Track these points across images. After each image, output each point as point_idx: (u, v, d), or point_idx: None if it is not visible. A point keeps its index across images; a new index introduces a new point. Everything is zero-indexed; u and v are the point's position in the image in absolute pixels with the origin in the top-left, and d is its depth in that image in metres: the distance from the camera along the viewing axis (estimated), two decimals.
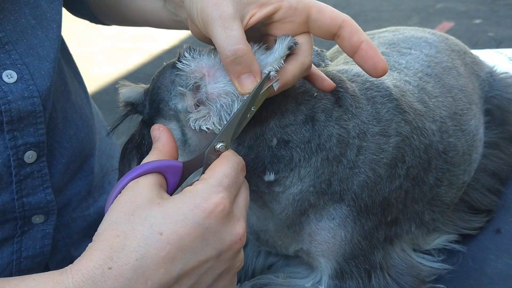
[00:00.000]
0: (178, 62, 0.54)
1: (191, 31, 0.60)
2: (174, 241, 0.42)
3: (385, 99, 0.63)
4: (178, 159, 0.52)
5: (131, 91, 0.61)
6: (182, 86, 0.54)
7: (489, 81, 0.86)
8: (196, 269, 0.44)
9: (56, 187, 0.69)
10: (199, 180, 0.47)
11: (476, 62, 0.88)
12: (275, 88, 0.51)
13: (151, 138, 0.60)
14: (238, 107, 0.51)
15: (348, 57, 0.82)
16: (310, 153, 0.57)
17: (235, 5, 0.50)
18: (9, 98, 0.59)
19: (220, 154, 0.50)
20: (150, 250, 0.42)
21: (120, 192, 0.46)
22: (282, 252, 0.66)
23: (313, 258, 0.63)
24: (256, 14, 0.51)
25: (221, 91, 0.52)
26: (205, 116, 0.52)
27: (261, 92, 0.50)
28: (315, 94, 0.58)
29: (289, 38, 0.52)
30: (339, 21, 0.52)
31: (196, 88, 0.53)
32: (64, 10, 0.73)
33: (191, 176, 0.50)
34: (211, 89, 0.52)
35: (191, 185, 0.47)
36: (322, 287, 0.62)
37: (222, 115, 0.52)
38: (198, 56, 0.53)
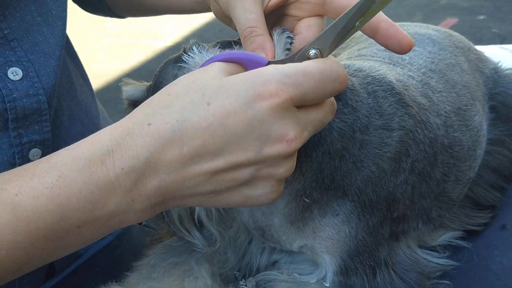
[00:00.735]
0: (184, 54, 0.54)
1: (213, 12, 0.61)
2: (219, 115, 0.41)
3: (387, 93, 0.63)
4: None
5: (134, 89, 0.62)
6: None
7: (494, 78, 0.86)
8: (233, 154, 0.41)
9: None
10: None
11: (481, 58, 0.87)
12: None
13: None
14: (345, 13, 0.44)
15: (350, 53, 0.83)
16: (311, 147, 0.57)
17: None
18: (15, 95, 0.60)
19: None
20: (192, 117, 0.41)
21: None
22: (286, 248, 0.66)
23: (318, 254, 0.63)
24: None
25: None
26: None
27: (374, 3, 0.43)
28: None
29: (286, 32, 0.51)
30: (354, 2, 0.52)
31: None
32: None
33: None
34: None
35: None
36: (327, 284, 0.62)
37: None
38: (205, 51, 0.54)
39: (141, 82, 0.64)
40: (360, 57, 0.78)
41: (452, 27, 3.95)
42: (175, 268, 0.67)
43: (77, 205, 0.41)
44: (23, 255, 0.41)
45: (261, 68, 0.43)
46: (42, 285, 0.76)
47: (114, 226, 0.44)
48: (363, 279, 0.61)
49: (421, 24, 0.92)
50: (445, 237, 0.72)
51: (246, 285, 0.64)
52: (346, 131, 0.58)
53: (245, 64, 0.45)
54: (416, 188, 0.64)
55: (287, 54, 0.49)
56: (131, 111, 0.63)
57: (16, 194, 0.40)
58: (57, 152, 0.43)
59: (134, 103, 0.63)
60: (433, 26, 0.90)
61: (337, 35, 0.44)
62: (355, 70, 0.66)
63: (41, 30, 0.64)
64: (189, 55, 0.53)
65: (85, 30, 4.05)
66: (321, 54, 0.45)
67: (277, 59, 0.47)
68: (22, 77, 0.61)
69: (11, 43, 0.61)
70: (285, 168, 0.44)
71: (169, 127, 0.41)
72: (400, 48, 0.50)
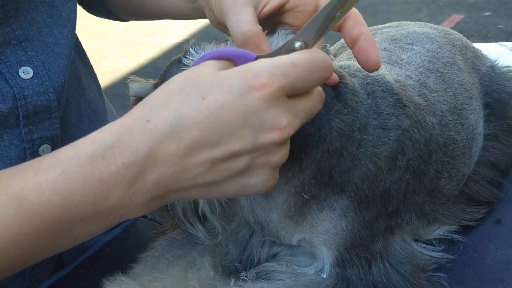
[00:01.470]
0: (184, 58, 0.56)
1: (208, 19, 0.63)
2: (213, 108, 0.42)
3: (386, 93, 0.65)
4: None
5: (141, 86, 0.64)
6: None
7: (490, 75, 0.87)
8: (229, 144, 0.43)
9: None
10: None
11: (478, 56, 0.89)
12: None
13: None
14: (325, 5, 0.47)
15: (351, 53, 0.85)
16: (310, 146, 0.59)
17: None
18: (25, 93, 0.62)
19: None
20: (189, 111, 0.42)
21: None
22: (285, 242, 0.68)
23: (315, 247, 0.65)
24: (269, 4, 0.54)
25: None
26: None
27: None
28: None
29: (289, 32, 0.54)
30: None
31: None
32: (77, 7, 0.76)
33: None
34: None
35: None
36: (324, 275, 0.65)
37: None
38: (202, 51, 0.55)
39: (148, 80, 0.66)
40: None
41: (458, 23, 3.94)
42: (179, 259, 0.69)
43: (80, 199, 0.42)
44: (29, 247, 0.43)
45: (251, 62, 0.45)
46: (51, 276, 0.78)
47: (117, 219, 0.45)
48: (359, 271, 0.63)
49: (420, 23, 0.94)
50: (440, 231, 0.74)
51: (246, 276, 0.66)
52: (346, 130, 0.60)
53: (235, 60, 0.47)
54: (409, 185, 0.66)
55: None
56: None
57: (22, 189, 0.42)
58: (60, 148, 0.44)
59: (141, 100, 0.65)
60: (432, 25, 0.92)
61: (319, 26, 0.46)
62: (355, 71, 0.68)
63: (51, 31, 0.67)
64: (188, 58, 0.55)
65: (94, 28, 4.08)
66: (306, 46, 0.47)
67: (265, 54, 0.48)
68: (32, 76, 0.63)
69: (22, 44, 0.63)
70: (280, 155, 0.46)
71: (167, 123, 0.42)
72: (366, 64, 0.53)
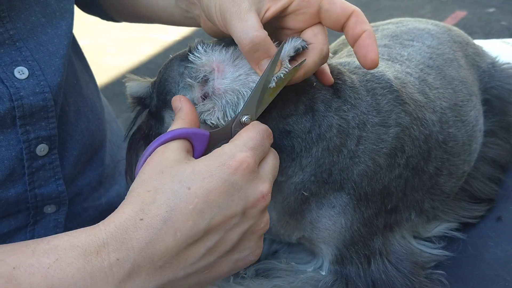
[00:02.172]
0: (190, 54, 0.56)
1: (203, 28, 0.63)
2: (201, 195, 0.45)
3: (385, 90, 0.65)
4: None
5: (138, 85, 0.63)
6: (191, 78, 0.56)
7: (490, 72, 0.87)
8: (222, 224, 0.46)
9: (68, 178, 0.72)
10: (226, 143, 0.50)
11: (478, 53, 0.88)
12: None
13: (158, 129, 0.63)
14: (257, 82, 0.52)
15: (351, 49, 0.84)
16: (311, 143, 0.59)
17: (250, 0, 0.52)
18: (21, 93, 0.61)
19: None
20: (179, 203, 0.45)
21: (149, 156, 0.49)
22: (285, 240, 0.68)
23: (315, 244, 0.65)
24: (271, 8, 0.54)
25: (228, 88, 0.53)
26: (209, 110, 0.54)
27: (284, 74, 0.52)
28: (314, 83, 0.60)
29: (300, 40, 0.54)
30: (349, 11, 0.54)
31: (205, 81, 0.55)
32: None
33: (217, 146, 0.52)
34: (218, 84, 0.54)
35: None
36: (323, 272, 0.65)
37: (227, 111, 0.53)
38: (210, 50, 0.55)
39: (145, 78, 0.66)
40: None
41: (461, 20, 3.93)
42: None
43: None
44: None
45: (219, 148, 0.49)
46: None
47: None
48: (358, 268, 0.63)
49: (421, 19, 0.93)
50: (440, 228, 0.74)
51: (246, 274, 0.66)
52: (345, 128, 0.60)
53: (190, 138, 0.50)
54: (409, 182, 0.66)
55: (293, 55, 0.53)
56: (134, 107, 0.65)
57: (14, 268, 0.43)
58: (58, 235, 0.45)
59: (139, 100, 0.65)
60: (432, 21, 0.91)
61: (258, 99, 0.52)
62: (355, 68, 0.68)
63: (46, 30, 0.66)
64: (195, 55, 0.55)
65: (93, 24, 4.07)
66: (251, 118, 0.53)
67: (216, 129, 0.53)
68: (28, 76, 0.62)
69: (17, 43, 0.63)
70: (264, 222, 0.50)
71: (160, 219, 0.44)
72: (364, 60, 0.53)
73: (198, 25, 0.67)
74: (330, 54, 0.69)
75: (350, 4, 0.54)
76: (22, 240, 0.68)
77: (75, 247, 0.43)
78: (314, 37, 0.55)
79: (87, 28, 3.32)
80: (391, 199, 0.64)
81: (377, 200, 0.63)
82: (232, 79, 0.54)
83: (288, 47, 0.53)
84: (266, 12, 0.53)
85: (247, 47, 0.51)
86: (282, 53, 0.52)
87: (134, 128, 0.66)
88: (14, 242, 0.67)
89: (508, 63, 0.91)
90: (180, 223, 0.44)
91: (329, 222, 0.63)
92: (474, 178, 0.80)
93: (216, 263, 0.47)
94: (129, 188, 0.48)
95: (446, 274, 0.68)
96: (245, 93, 0.53)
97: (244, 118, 0.52)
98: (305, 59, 0.53)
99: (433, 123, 0.69)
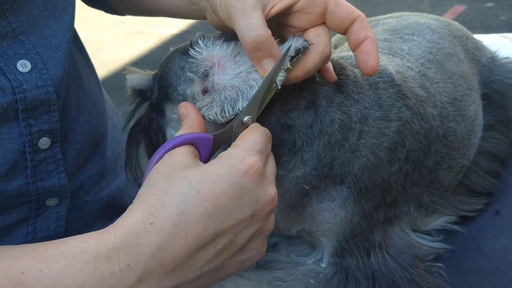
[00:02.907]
0: (191, 49, 0.55)
1: (209, 21, 0.63)
2: (211, 198, 0.45)
3: (387, 84, 0.65)
4: None
5: (139, 77, 0.63)
6: (191, 73, 0.56)
7: (490, 66, 0.87)
8: (232, 227, 0.46)
9: (70, 171, 0.72)
10: (231, 146, 0.50)
11: (478, 47, 0.89)
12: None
13: (159, 122, 0.63)
14: (261, 83, 0.53)
15: None
16: (312, 138, 0.59)
17: None
18: (24, 87, 0.62)
19: (247, 127, 0.52)
20: (189, 207, 0.44)
21: (157, 163, 0.49)
22: (285, 233, 0.69)
23: (315, 237, 0.66)
24: (277, 5, 0.54)
25: (227, 84, 0.53)
26: (208, 105, 0.54)
27: (284, 76, 0.53)
28: (317, 79, 0.60)
29: (301, 40, 0.54)
30: (354, 15, 0.54)
31: (205, 75, 0.55)
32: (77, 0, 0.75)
33: (220, 149, 0.53)
34: (218, 80, 0.54)
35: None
36: (323, 264, 0.65)
37: (225, 107, 0.53)
38: (211, 45, 0.55)
39: (146, 71, 0.66)
40: None
41: (460, 14, 3.93)
42: None
43: None
44: None
45: (226, 152, 0.49)
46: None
47: None
48: (358, 260, 0.64)
49: (421, 13, 0.93)
50: (439, 221, 0.74)
51: None
52: (347, 122, 0.60)
53: (195, 143, 0.51)
54: (408, 176, 0.66)
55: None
56: (134, 99, 0.65)
57: (22, 273, 0.42)
58: (67, 239, 0.45)
59: (139, 92, 0.65)
60: (432, 16, 0.91)
61: (261, 101, 0.53)
62: None
63: (48, 23, 0.66)
64: (196, 50, 0.55)
65: (93, 18, 4.06)
66: (253, 118, 0.53)
67: (219, 132, 0.53)
68: (30, 69, 0.62)
69: (20, 37, 0.63)
70: (271, 223, 0.50)
71: (170, 223, 0.44)
72: (364, 66, 0.54)
73: (204, 18, 0.67)
74: (332, 49, 0.69)
75: (355, 8, 0.55)
76: (24, 233, 0.69)
77: (85, 252, 0.43)
78: (317, 37, 0.55)
79: (86, 22, 3.31)
80: (391, 193, 0.65)
81: (377, 194, 0.63)
82: (232, 75, 0.54)
83: (291, 47, 0.53)
84: (271, 8, 0.53)
85: (250, 45, 0.51)
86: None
87: (134, 119, 0.66)
88: (16, 234, 0.68)
89: (508, 58, 0.91)
90: (190, 227, 0.44)
91: (330, 215, 0.63)
92: (473, 172, 0.81)
93: (224, 265, 0.47)
94: (129, 181, 0.48)
95: (445, 266, 0.68)
96: (244, 90, 0.53)
97: (246, 119, 0.52)
98: (300, 54, 0.53)
99: (433, 118, 0.69)
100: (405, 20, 0.88)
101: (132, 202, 0.47)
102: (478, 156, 0.81)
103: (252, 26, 0.51)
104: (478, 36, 0.97)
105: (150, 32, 4.25)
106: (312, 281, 0.63)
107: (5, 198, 0.64)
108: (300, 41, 0.54)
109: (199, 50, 0.55)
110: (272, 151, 0.59)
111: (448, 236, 0.74)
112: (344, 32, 0.55)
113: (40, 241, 0.69)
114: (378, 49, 0.76)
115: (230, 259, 0.47)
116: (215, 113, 0.54)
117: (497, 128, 0.85)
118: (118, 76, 3.44)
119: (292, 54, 0.53)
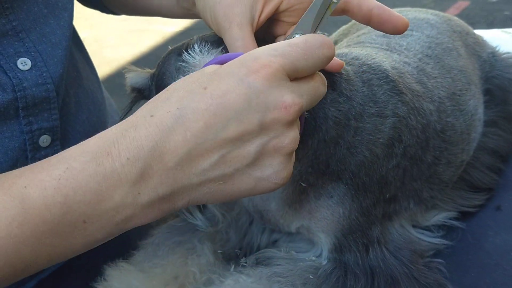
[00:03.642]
0: (185, 52, 0.56)
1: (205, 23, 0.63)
2: (216, 96, 0.42)
3: (382, 81, 0.65)
4: None
5: (138, 76, 0.64)
6: (186, 74, 0.56)
7: (491, 62, 0.87)
8: (238, 132, 0.43)
9: None
10: None
11: (478, 42, 0.88)
12: None
13: None
14: None
15: (350, 39, 0.85)
16: (305, 135, 0.59)
17: (242, 8, 0.53)
18: (24, 85, 0.62)
19: None
20: (191, 102, 0.42)
21: None
22: (284, 230, 0.69)
23: (313, 234, 0.66)
24: (263, 12, 0.54)
25: None
26: None
27: None
28: None
29: None
30: None
31: None
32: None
33: None
34: None
35: None
36: (322, 261, 0.65)
37: None
38: (206, 52, 0.55)
39: (145, 69, 0.66)
40: (359, 44, 0.80)
41: (464, 10, 3.91)
42: (179, 246, 0.70)
43: (83, 197, 0.41)
44: (29, 252, 0.42)
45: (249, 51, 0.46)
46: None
47: (122, 224, 0.44)
48: (357, 256, 0.64)
49: (421, 9, 0.93)
50: (439, 217, 0.74)
51: (246, 262, 0.67)
52: (341, 119, 0.60)
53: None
54: (407, 171, 0.66)
55: None
56: (134, 96, 0.66)
57: (25, 187, 0.41)
58: (68, 148, 0.44)
59: (138, 90, 0.65)
60: (432, 11, 0.91)
61: (316, 16, 0.48)
62: (352, 59, 0.68)
63: (48, 21, 0.67)
64: (189, 54, 0.55)
65: (95, 15, 4.06)
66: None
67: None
68: (31, 67, 0.63)
69: (20, 34, 0.63)
70: (289, 139, 0.44)
71: (170, 116, 0.42)
72: (396, 30, 0.54)
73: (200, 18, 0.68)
74: None
75: None
76: None
77: (85, 152, 0.42)
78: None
79: (87, 20, 3.32)
80: (389, 189, 0.65)
81: (375, 190, 0.63)
82: None
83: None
84: (259, 17, 0.54)
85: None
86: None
87: (130, 114, 0.67)
88: None
89: (508, 53, 0.91)
90: (191, 123, 0.42)
91: (327, 212, 0.63)
92: (473, 167, 0.80)
93: (234, 176, 0.44)
94: None
95: (445, 262, 0.68)
96: None
97: (296, 36, 0.47)
98: None
99: (430, 113, 0.69)
100: (405, 16, 0.87)
101: None
102: (479, 151, 0.81)
103: (237, 48, 0.52)
104: (478, 32, 0.96)
105: (153, 29, 4.25)
106: (311, 277, 0.63)
107: None
108: None
109: (192, 55, 0.55)
110: None
111: (448, 232, 0.74)
112: (342, 11, 0.55)
113: None
114: (376, 46, 0.77)
115: (241, 171, 0.44)
116: None
117: (499, 124, 0.85)
118: (120, 74, 3.43)
119: None
